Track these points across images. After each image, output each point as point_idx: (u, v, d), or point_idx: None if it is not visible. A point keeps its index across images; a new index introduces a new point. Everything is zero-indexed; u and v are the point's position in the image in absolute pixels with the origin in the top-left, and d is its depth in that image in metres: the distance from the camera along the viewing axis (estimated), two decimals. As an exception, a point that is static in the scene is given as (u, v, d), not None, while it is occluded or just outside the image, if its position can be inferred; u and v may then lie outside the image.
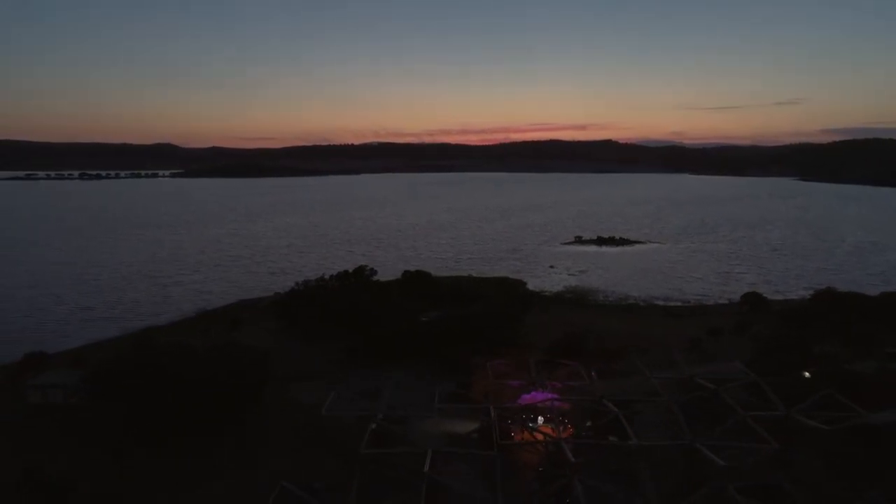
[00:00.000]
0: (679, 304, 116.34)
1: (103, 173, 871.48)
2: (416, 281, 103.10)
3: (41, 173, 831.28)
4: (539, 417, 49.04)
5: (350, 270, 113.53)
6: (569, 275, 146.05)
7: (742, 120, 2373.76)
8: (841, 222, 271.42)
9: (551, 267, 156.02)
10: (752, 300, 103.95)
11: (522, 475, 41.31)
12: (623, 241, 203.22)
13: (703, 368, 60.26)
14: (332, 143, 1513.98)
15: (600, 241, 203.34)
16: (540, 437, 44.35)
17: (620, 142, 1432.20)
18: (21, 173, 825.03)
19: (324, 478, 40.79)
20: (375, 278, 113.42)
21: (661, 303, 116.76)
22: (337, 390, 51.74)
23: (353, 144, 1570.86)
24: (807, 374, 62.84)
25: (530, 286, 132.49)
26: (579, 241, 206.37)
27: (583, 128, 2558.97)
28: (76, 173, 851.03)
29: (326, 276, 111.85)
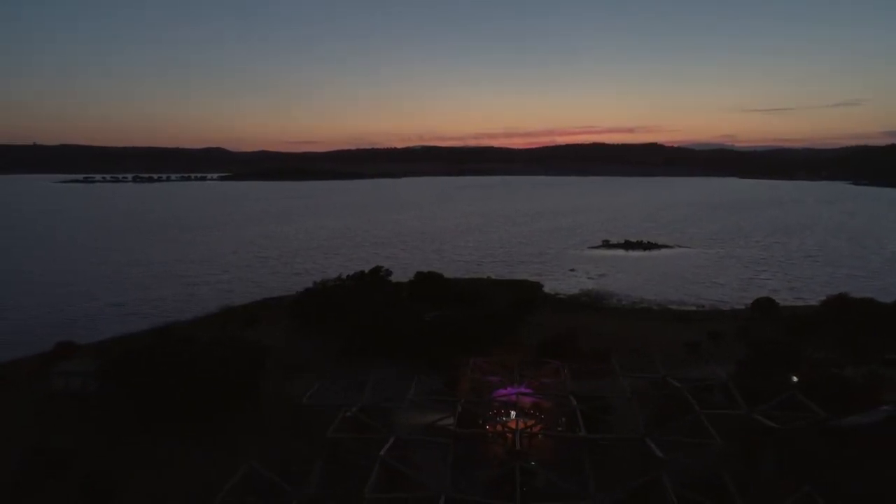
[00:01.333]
0: (694, 308, 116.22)
1: (155, 176, 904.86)
2: (426, 282, 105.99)
3: (98, 176, 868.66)
4: (512, 412, 51.51)
5: (366, 271, 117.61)
6: (588, 278, 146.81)
7: (797, 122, 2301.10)
8: (887, 229, 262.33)
9: (571, 270, 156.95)
10: (764, 305, 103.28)
11: (481, 463, 43.89)
12: (650, 246, 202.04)
13: (682, 370, 61.87)
14: (374, 147, 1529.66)
15: (627, 246, 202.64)
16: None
17: (666, 145, 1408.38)
18: (80, 176, 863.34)
19: (298, 462, 44.08)
20: (392, 279, 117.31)
21: (674, 307, 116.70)
22: (321, 383, 55.34)
23: (394, 148, 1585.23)
24: (795, 378, 63.57)
25: (547, 289, 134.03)
26: (606, 245, 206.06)
27: (630, 131, 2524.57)
28: (130, 176, 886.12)
29: (344, 276, 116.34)
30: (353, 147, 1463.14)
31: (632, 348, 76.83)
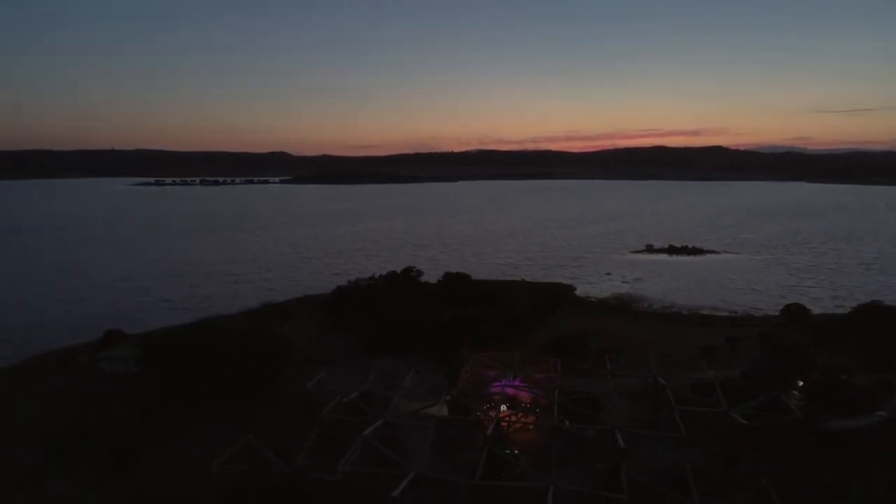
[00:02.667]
0: (726, 314, 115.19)
1: (220, 179, 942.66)
2: (453, 283, 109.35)
3: (168, 179, 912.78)
4: (503, 405, 54.34)
5: (398, 271, 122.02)
6: (622, 282, 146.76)
7: (876, 124, 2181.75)
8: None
9: (607, 274, 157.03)
10: (794, 312, 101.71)
11: (463, 448, 46.96)
12: (695, 251, 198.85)
13: (681, 371, 63.06)
14: (433, 151, 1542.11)
15: (671, 251, 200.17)
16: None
17: (731, 148, 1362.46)
18: (151, 179, 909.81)
19: (295, 441, 48.22)
20: (423, 279, 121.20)
21: (705, 312, 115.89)
22: (327, 372, 59.63)
23: (451, 152, 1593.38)
24: (801, 383, 63.82)
25: (579, 292, 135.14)
26: (650, 249, 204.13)
27: (694, 133, 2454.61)
28: (197, 179, 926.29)
29: (377, 276, 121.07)
30: (411, 151, 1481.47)
31: (642, 350, 77.93)
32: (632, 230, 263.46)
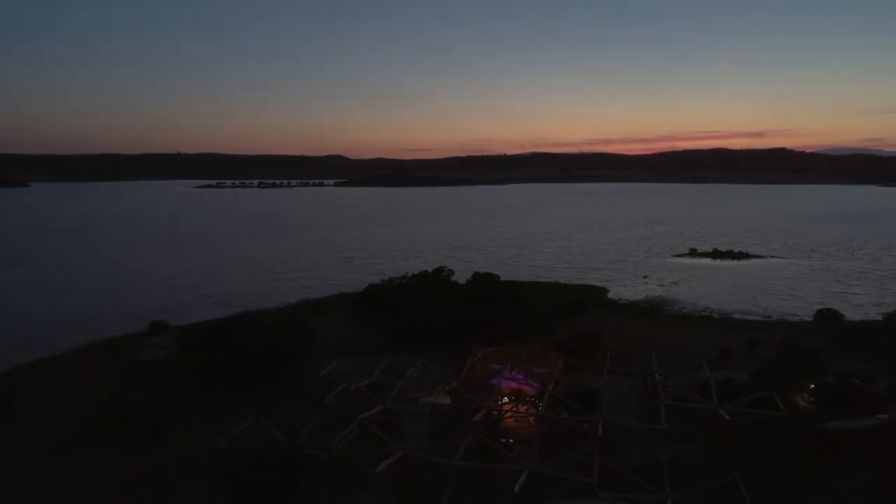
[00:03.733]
0: (759, 318, 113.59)
1: (278, 182, 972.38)
2: (480, 283, 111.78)
3: (228, 181, 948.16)
4: (504, 398, 56.72)
5: (430, 271, 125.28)
6: (658, 285, 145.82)
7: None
8: None
9: (644, 277, 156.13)
10: (826, 316, 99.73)
11: (456, 435, 49.65)
12: (740, 255, 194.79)
13: (681, 371, 63.89)
14: (486, 154, 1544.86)
15: (715, 255, 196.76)
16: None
17: (797, 150, 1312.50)
18: (213, 181, 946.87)
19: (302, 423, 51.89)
20: (454, 279, 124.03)
21: (737, 316, 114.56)
22: (339, 363, 63.32)
23: (505, 155, 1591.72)
24: (811, 386, 63.82)
25: (611, 295, 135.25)
26: (693, 253, 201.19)
27: (758, 135, 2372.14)
28: (256, 182, 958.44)
29: (409, 275, 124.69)
30: (463, 154, 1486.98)
31: (654, 350, 78.59)
32: (678, 234, 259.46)
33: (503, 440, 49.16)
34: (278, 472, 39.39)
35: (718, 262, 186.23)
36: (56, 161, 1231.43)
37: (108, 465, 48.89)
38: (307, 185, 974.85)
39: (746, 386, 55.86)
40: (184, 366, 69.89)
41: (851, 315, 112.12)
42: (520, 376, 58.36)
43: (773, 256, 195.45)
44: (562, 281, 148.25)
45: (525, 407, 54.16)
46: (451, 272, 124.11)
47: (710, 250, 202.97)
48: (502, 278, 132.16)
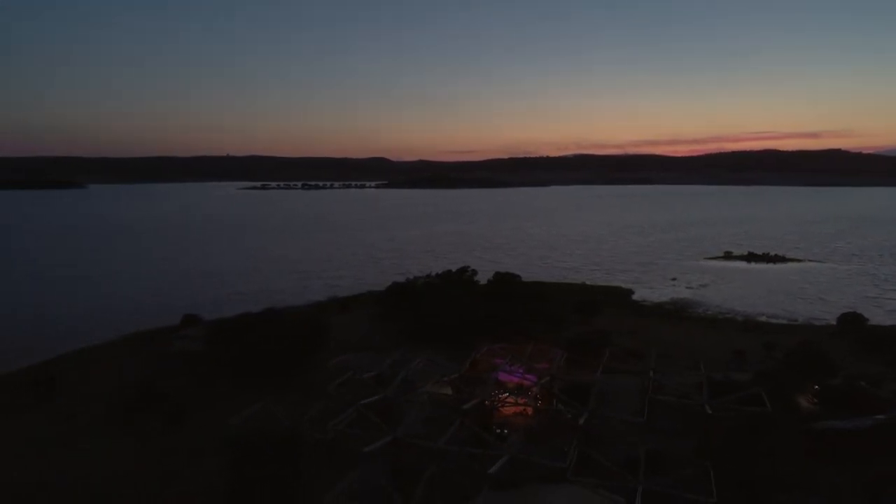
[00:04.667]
0: (784, 321, 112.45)
1: (321, 184, 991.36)
2: (500, 282, 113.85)
3: (273, 183, 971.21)
4: (504, 391, 59.14)
5: (453, 270, 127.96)
6: (686, 288, 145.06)
7: None
8: None
9: (673, 280, 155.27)
10: (850, 320, 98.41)
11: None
12: (777, 259, 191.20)
13: (681, 369, 65.05)
14: (527, 156, 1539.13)
15: (750, 258, 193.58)
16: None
17: (853, 151, 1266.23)
18: (258, 183, 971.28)
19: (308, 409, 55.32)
20: (476, 279, 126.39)
21: (762, 319, 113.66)
22: (352, 356, 66.81)
23: (547, 157, 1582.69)
24: (816, 387, 64.26)
25: (637, 296, 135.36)
26: (727, 256, 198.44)
27: (814, 136, 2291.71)
28: (299, 184, 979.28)
29: (433, 274, 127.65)
30: (506, 156, 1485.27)
31: (653, 349, 79.48)
32: (714, 237, 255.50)
33: (498, 430, 51.73)
34: (278, 450, 42.86)
35: (753, 265, 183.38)
36: (112, 163, 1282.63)
37: (136, 444, 53.43)
38: (349, 186, 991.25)
39: (742, 385, 56.89)
40: (210, 356, 74.72)
41: (884, 320, 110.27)
42: (519, 371, 60.71)
43: (811, 260, 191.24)
44: (588, 282, 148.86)
45: (523, 399, 56.59)
46: (475, 272, 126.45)
47: (745, 253, 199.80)
48: (528, 279, 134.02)
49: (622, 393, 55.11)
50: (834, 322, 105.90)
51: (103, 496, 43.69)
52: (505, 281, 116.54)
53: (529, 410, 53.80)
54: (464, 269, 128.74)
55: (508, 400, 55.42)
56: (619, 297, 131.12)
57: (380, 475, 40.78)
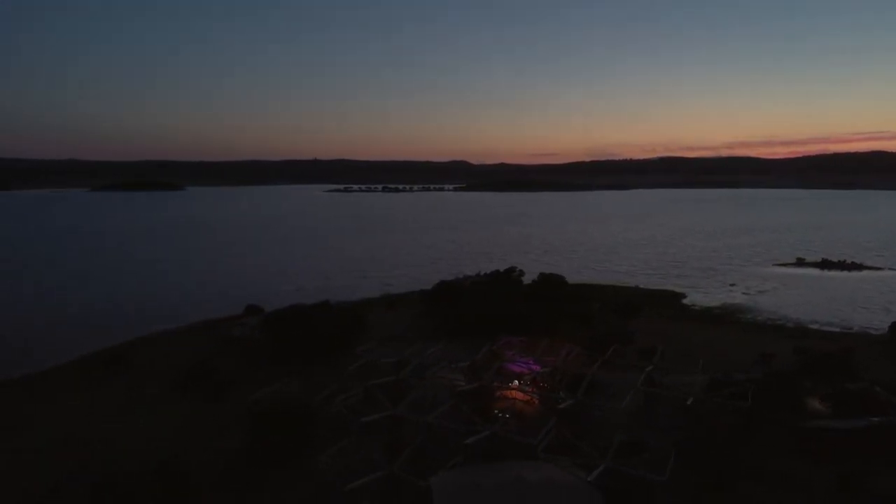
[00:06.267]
0: (837, 330, 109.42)
1: (401, 186, 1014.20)
2: (544, 283, 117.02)
3: (355, 186, 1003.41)
4: (515, 381, 63.44)
5: (501, 270, 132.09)
6: (742, 294, 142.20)
7: None
8: None
9: (731, 285, 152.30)
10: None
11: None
12: (852, 266, 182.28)
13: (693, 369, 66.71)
14: (611, 159, 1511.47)
15: (823, 265, 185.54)
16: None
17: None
18: (341, 186, 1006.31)
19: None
20: (524, 279, 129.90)
21: (814, 327, 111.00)
22: (380, 344, 73.07)
23: (631, 159, 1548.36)
24: (829, 391, 64.48)
25: (687, 300, 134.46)
26: (799, 263, 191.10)
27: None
28: (380, 186, 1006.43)
29: (481, 274, 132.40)
30: (588, 159, 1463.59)
31: (686, 350, 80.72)
32: (792, 242, 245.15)
33: (499, 413, 56.17)
34: (289, 417, 49.47)
35: (825, 272, 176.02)
36: (208, 167, 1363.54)
37: (185, 411, 61.96)
38: (427, 189, 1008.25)
39: (740, 384, 58.49)
40: (260, 341, 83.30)
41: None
42: (527, 362, 64.77)
43: (892, 269, 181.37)
44: (641, 286, 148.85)
45: (531, 388, 60.70)
46: (522, 272, 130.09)
47: (819, 260, 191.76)
48: (579, 281, 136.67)
49: (615, 385, 58.07)
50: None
51: (152, 449, 51.74)
52: (547, 282, 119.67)
53: (528, 397, 57.92)
54: (511, 270, 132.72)
55: (512, 387, 59.75)
56: (666, 301, 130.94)
57: (371, 442, 46.40)
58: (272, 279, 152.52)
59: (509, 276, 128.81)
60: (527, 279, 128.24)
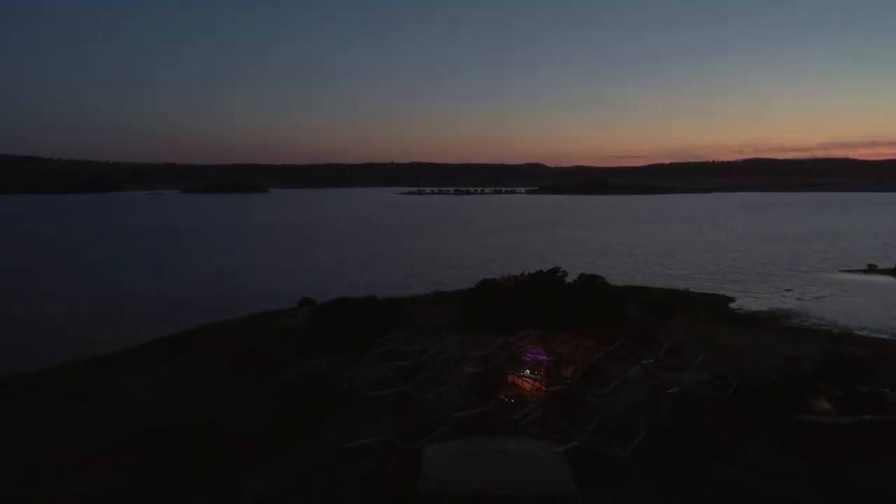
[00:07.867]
0: (886, 337, 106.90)
1: (472, 189, 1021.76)
2: (583, 283, 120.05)
3: (427, 189, 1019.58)
4: (526, 370, 68.21)
5: (545, 271, 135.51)
6: (796, 299, 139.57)
7: None
8: None
9: (787, 290, 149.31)
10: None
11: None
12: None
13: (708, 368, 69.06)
14: (692, 161, 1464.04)
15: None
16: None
17: None
18: (414, 189, 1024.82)
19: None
20: (567, 280, 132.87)
21: (863, 333, 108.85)
22: (406, 332, 79.44)
23: (713, 161, 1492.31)
24: (839, 392, 65.64)
25: (735, 304, 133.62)
26: (869, 270, 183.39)
27: None
28: (452, 189, 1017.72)
29: (525, 274, 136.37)
30: (669, 161, 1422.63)
31: (666, 344, 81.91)
32: (868, 249, 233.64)
33: (505, 398, 61.22)
34: (312, 390, 56.63)
35: (894, 280, 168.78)
36: (292, 170, 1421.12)
37: (234, 387, 70.75)
38: (499, 192, 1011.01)
39: (733, 379, 60.80)
40: (308, 329, 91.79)
41: None
42: (538, 352, 69.28)
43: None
44: (690, 289, 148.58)
45: (536, 375, 65.38)
46: (565, 273, 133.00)
47: (892, 267, 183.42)
48: (629, 283, 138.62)
49: (618, 376, 61.63)
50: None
51: (203, 415, 60.07)
52: (586, 282, 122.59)
53: (534, 385, 62.63)
54: (555, 270, 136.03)
55: (521, 375, 64.62)
56: (711, 304, 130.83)
57: (378, 414, 52.71)
58: (329, 276, 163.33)
59: (552, 277, 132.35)
60: (570, 280, 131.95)
